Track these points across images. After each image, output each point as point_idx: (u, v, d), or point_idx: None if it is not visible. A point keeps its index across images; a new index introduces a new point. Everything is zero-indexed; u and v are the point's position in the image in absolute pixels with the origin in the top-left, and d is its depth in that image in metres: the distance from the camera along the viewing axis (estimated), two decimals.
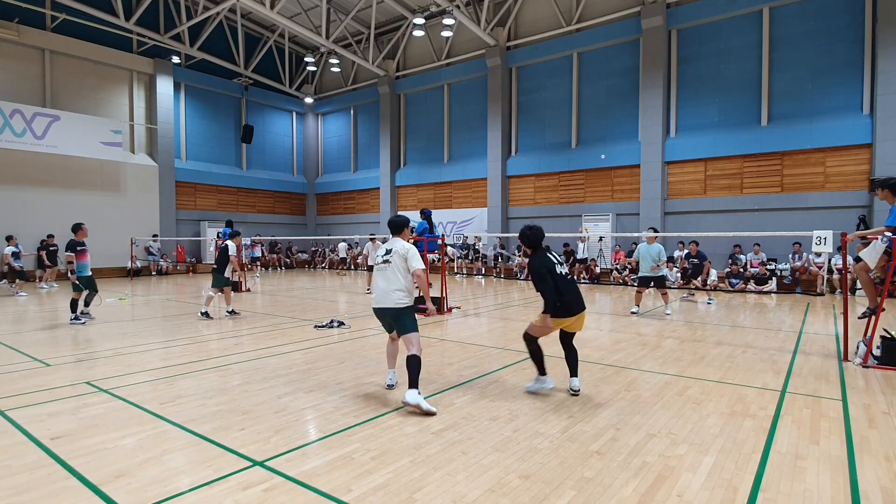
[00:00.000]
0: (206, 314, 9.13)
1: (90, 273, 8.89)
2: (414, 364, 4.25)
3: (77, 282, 8.59)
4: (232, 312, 9.45)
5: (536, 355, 4.59)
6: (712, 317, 9.27)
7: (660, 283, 9.64)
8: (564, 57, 18.54)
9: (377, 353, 6.27)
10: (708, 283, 13.72)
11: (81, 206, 18.87)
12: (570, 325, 4.52)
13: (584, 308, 4.50)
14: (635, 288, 10.06)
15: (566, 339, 4.66)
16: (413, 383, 4.20)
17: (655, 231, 10.07)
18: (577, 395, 4.53)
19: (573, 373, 4.63)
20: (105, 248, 18.75)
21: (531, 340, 4.58)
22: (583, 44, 17.99)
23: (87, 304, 9.01)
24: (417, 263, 4.46)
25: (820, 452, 3.29)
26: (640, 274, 9.74)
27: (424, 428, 3.74)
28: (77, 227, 8.75)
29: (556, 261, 4.51)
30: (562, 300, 4.39)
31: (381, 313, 4.55)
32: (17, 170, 17.51)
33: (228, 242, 9.37)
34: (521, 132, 19.91)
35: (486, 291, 13.93)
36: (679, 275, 14.61)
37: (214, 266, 9.46)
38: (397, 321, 4.45)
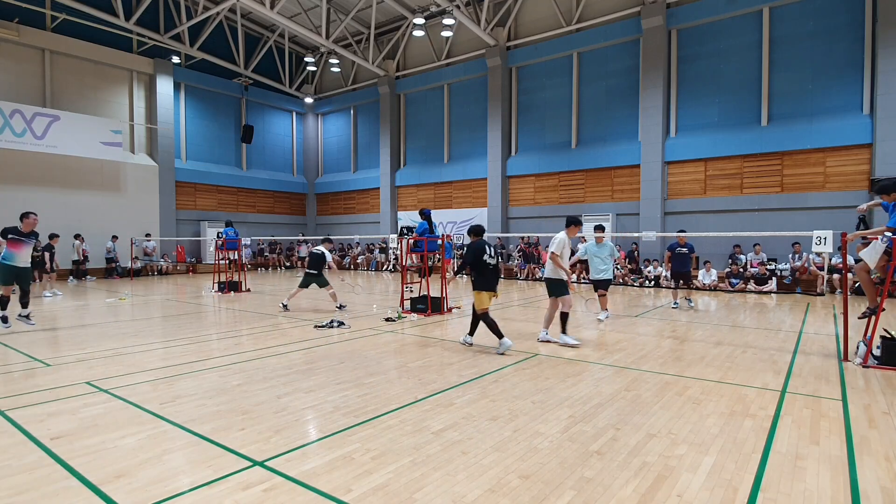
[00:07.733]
0: (341, 309, 10.05)
1: (17, 264, 7.53)
2: (563, 317, 6.79)
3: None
4: (341, 307, 10.13)
5: (492, 326, 6.19)
6: (712, 317, 9.26)
7: (604, 285, 8.89)
8: (564, 57, 18.53)
9: (377, 353, 6.29)
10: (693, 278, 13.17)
11: (81, 206, 18.87)
12: (487, 298, 6.26)
13: (495, 290, 6.36)
14: (596, 293, 9.12)
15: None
16: (563, 329, 6.71)
17: (603, 230, 9.12)
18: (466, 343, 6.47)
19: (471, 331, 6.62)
20: (105, 248, 18.78)
21: (484, 315, 6.23)
22: (583, 44, 17.99)
23: (24, 305, 7.72)
24: (550, 248, 6.78)
25: (820, 452, 3.29)
26: (591, 277, 9.06)
27: (424, 428, 3.74)
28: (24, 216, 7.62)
29: (488, 251, 6.31)
30: (480, 278, 6.27)
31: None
32: (17, 170, 17.50)
33: (323, 250, 10.15)
34: (521, 132, 19.90)
35: None
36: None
37: (313, 272, 10.06)
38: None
